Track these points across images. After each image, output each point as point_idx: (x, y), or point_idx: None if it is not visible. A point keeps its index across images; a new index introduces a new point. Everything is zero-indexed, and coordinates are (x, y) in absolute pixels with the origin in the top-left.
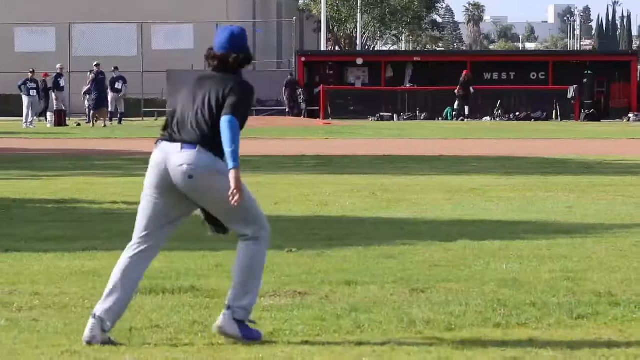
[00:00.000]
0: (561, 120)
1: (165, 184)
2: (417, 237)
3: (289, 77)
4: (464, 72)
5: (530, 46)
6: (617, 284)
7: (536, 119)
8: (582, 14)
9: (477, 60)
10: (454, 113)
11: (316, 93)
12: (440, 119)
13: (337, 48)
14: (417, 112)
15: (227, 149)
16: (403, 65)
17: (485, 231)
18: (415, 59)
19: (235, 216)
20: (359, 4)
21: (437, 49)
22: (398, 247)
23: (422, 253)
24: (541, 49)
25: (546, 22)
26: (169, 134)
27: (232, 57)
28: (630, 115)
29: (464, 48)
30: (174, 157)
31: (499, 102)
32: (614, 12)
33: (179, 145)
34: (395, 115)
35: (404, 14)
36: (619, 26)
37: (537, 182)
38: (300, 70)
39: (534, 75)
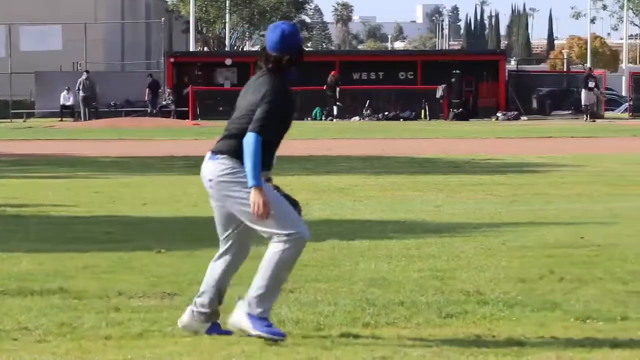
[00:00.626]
0: (430, 119)
1: None
2: None
3: (149, 78)
4: (332, 73)
5: (398, 46)
6: (485, 283)
7: (405, 119)
8: (450, 14)
9: (345, 60)
10: (324, 113)
11: (185, 94)
12: (309, 119)
13: (206, 49)
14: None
15: (246, 166)
16: None
17: (353, 231)
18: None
19: (260, 226)
20: (227, 5)
21: (306, 49)
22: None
23: None
24: (410, 48)
25: (415, 21)
26: None
27: (285, 59)
28: (499, 114)
29: (333, 48)
30: (203, 165)
31: (368, 102)
32: (482, 11)
33: (209, 154)
34: None
35: (273, 14)
36: (487, 26)
37: (405, 182)
38: (169, 71)
39: (402, 75)
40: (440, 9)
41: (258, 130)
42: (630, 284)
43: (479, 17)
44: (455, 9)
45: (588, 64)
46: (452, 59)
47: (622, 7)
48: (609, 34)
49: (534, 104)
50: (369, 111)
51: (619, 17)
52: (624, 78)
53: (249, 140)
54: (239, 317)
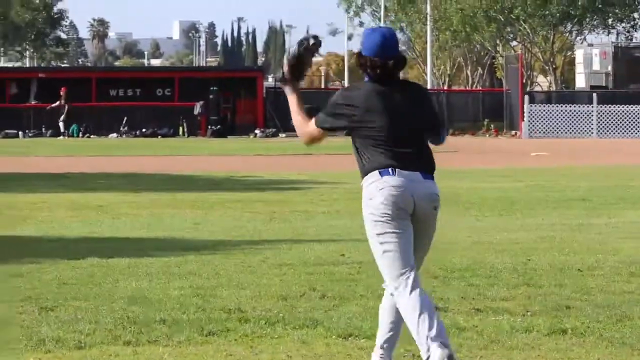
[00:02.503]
0: (188, 136)
1: None
2: (45, 255)
3: None
4: (62, 89)
5: (155, 62)
6: (246, 300)
7: (163, 136)
8: (207, 30)
9: (102, 76)
10: (81, 129)
11: None
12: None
13: None
14: (43, 129)
15: None
16: (28, 81)
17: (113, 249)
18: (40, 75)
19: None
20: None
21: (63, 66)
22: (26, 266)
23: (51, 271)
24: (167, 65)
25: (171, 37)
26: None
27: (390, 63)
28: (257, 131)
29: (89, 64)
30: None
31: (125, 118)
32: (239, 28)
33: (418, 173)
34: (20, 132)
35: (28, 30)
36: (244, 42)
37: (164, 199)
38: None
39: (160, 92)
40: (197, 26)
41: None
42: None
43: (235, 34)
44: (212, 25)
45: (346, 81)
46: (210, 75)
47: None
48: None
49: (291, 122)
50: (126, 128)
51: None
52: None
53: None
54: None
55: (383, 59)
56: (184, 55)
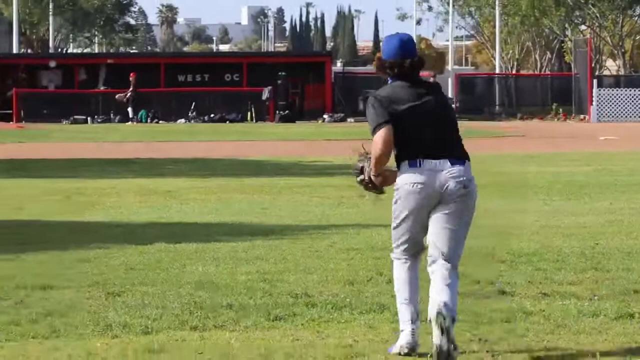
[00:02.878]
0: (256, 121)
1: None
2: (113, 241)
3: None
4: (131, 75)
5: (224, 48)
6: (313, 285)
7: (231, 121)
8: (275, 15)
9: (171, 62)
10: (149, 115)
11: (9, 96)
12: (134, 121)
13: (29, 51)
14: (112, 114)
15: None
16: (97, 67)
17: (180, 234)
18: (108, 61)
19: (459, 244)
20: (50, 7)
21: (131, 52)
22: (93, 251)
23: (118, 256)
24: (235, 50)
25: (240, 23)
26: None
27: (407, 62)
28: (325, 116)
29: (158, 50)
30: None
31: (194, 103)
32: (308, 13)
33: (446, 160)
34: (89, 118)
35: (97, 16)
36: (312, 27)
37: (232, 184)
38: None
39: (228, 77)
40: (266, 11)
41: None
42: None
43: (304, 19)
44: (280, 11)
45: None
46: (278, 60)
47: (447, 13)
48: (433, 34)
49: (361, 106)
50: (194, 113)
51: (445, 19)
52: (449, 80)
53: None
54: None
55: (401, 59)
56: (253, 41)
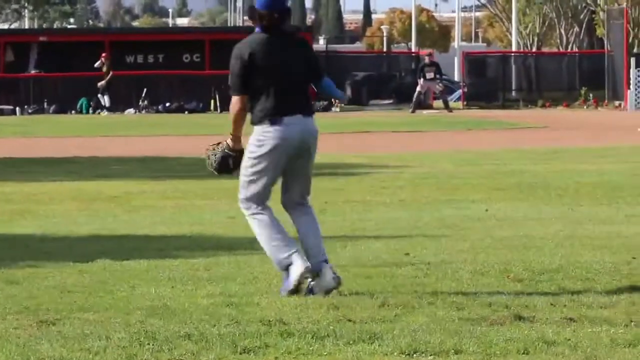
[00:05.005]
0: (221, 112)
1: None
2: (46, 257)
3: None
4: (102, 55)
5: (182, 22)
6: (290, 310)
7: (190, 111)
8: None
9: (117, 39)
10: (91, 104)
11: None
12: (73, 111)
13: None
14: (45, 103)
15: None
16: (27, 46)
17: (129, 248)
18: (41, 38)
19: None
20: None
21: (69, 27)
22: (23, 270)
23: (53, 277)
24: (195, 25)
25: None
26: None
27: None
28: None
29: (101, 25)
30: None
31: (145, 90)
32: None
33: (300, 115)
34: (17, 109)
35: None
36: None
37: (193, 188)
38: None
39: (187, 58)
40: None
41: None
42: (465, 310)
43: None
44: None
45: (413, 44)
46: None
47: None
48: (436, 4)
49: (348, 92)
50: (146, 102)
51: None
52: (456, 59)
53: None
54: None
55: (269, 11)
56: (217, 14)
